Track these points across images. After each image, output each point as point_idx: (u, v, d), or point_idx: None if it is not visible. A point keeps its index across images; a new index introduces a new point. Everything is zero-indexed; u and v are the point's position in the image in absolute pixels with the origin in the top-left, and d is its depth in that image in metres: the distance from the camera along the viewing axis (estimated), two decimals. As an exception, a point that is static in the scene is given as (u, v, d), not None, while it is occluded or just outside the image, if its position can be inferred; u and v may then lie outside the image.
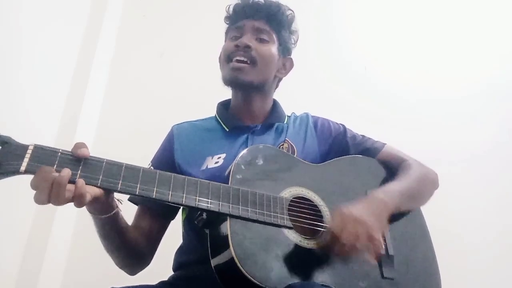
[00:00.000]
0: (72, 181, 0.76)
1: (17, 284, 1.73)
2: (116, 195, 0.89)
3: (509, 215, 2.05)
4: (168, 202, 0.85)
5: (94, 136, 2.10)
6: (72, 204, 0.77)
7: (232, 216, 0.87)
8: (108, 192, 0.83)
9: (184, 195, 0.85)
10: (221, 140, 1.16)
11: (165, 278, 1.10)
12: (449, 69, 2.34)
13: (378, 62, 2.36)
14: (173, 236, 1.17)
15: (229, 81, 1.18)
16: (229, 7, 1.25)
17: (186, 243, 1.14)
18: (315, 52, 2.33)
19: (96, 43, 2.20)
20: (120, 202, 0.92)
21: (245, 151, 1.00)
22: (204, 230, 0.92)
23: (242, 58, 1.14)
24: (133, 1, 2.45)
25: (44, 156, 0.77)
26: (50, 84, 1.95)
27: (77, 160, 0.80)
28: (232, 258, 0.82)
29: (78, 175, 0.78)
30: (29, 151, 0.76)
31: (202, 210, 0.88)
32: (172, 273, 1.12)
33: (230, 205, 0.88)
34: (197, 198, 0.86)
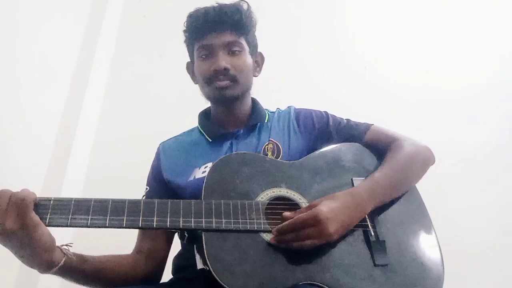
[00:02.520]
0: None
1: (17, 284, 1.73)
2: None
3: (509, 215, 2.05)
4: (140, 228, 0.86)
5: (94, 136, 2.10)
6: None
7: (206, 231, 0.87)
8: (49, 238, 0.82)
9: (155, 218, 0.86)
10: (206, 151, 1.16)
11: (165, 280, 1.09)
12: (449, 69, 2.34)
13: (378, 62, 2.36)
14: (174, 239, 1.16)
15: (216, 99, 1.18)
16: (189, 22, 1.19)
17: (184, 251, 1.13)
18: (315, 52, 2.33)
19: (96, 43, 2.20)
20: (69, 246, 0.88)
21: (216, 162, 0.99)
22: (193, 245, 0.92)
23: (223, 83, 1.13)
24: (133, 1, 2.46)
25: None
26: (50, 84, 1.95)
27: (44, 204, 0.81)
28: (210, 272, 0.82)
29: (49, 207, 0.81)
30: None
31: (177, 229, 0.89)
32: (171, 276, 1.12)
33: (203, 220, 0.88)
34: (168, 219, 0.87)
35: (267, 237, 0.90)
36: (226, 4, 1.18)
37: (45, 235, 0.80)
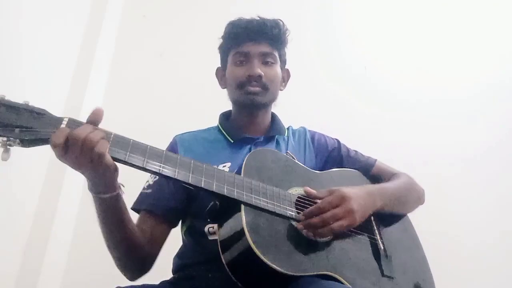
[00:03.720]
0: None
1: (17, 284, 1.73)
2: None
3: (509, 215, 2.05)
4: (187, 183, 0.87)
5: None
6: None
7: (246, 204, 0.90)
8: (116, 171, 0.85)
9: (203, 178, 0.88)
10: (225, 151, 1.20)
11: (166, 279, 1.09)
12: (449, 69, 2.34)
13: (378, 62, 2.37)
14: (174, 237, 1.16)
15: (244, 105, 1.23)
16: (229, 29, 1.26)
17: (187, 249, 1.14)
18: (315, 52, 2.34)
19: (96, 43, 2.20)
20: (122, 185, 0.92)
21: (254, 151, 1.06)
22: (213, 224, 0.95)
23: (255, 89, 1.19)
24: (133, 1, 2.45)
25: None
26: (50, 84, 1.95)
27: (107, 135, 0.83)
28: (249, 246, 0.83)
29: (110, 139, 0.82)
30: (64, 122, 0.80)
31: (218, 195, 0.90)
32: (172, 275, 1.12)
33: (244, 193, 0.91)
34: (215, 183, 0.89)
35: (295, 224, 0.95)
36: (267, 18, 1.26)
37: (114, 168, 0.84)
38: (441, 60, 2.36)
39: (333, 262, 0.93)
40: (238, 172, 0.98)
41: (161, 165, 0.85)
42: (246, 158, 1.01)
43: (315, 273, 0.87)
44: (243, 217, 0.87)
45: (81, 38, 2.18)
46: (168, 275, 1.11)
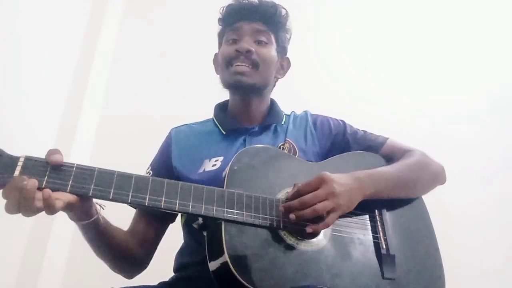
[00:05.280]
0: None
1: (17, 284, 1.73)
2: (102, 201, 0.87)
3: (510, 215, 2.05)
4: (161, 209, 0.84)
5: (94, 136, 2.10)
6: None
7: (226, 221, 0.87)
8: (84, 198, 0.81)
9: (178, 201, 0.85)
10: (218, 143, 1.16)
11: (166, 279, 1.09)
12: (449, 68, 2.34)
13: (378, 62, 2.36)
14: (174, 237, 1.16)
15: (231, 85, 1.17)
16: (223, 9, 1.22)
17: (187, 245, 1.14)
18: (315, 52, 2.33)
19: (96, 43, 2.20)
20: (102, 208, 0.91)
21: (241, 152, 0.99)
22: (202, 232, 0.92)
23: (243, 64, 1.13)
24: (133, 1, 2.46)
25: (34, 167, 0.77)
26: (51, 84, 1.95)
27: (66, 169, 0.78)
28: (227, 263, 0.82)
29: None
30: (20, 163, 0.75)
31: (197, 215, 0.88)
32: (173, 274, 1.12)
33: (225, 209, 0.87)
34: (191, 204, 0.85)
35: (285, 235, 0.90)
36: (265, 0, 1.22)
37: (79, 207, 0.82)
38: (441, 60, 2.36)
39: (324, 273, 0.89)
40: (225, 175, 0.94)
41: (130, 193, 0.81)
42: (230, 164, 0.95)
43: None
44: (222, 235, 0.85)
45: (81, 38, 2.18)
46: (167, 275, 1.11)
